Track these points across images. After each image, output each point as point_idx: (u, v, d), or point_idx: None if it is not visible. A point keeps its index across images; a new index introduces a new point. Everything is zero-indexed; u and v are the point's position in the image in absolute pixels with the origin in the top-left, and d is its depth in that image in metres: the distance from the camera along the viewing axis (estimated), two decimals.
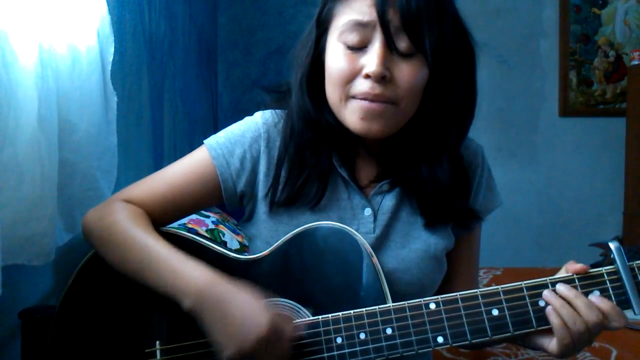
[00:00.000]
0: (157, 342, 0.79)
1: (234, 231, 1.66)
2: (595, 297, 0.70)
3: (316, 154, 0.84)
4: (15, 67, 0.83)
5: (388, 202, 0.86)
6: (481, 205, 0.91)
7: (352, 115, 0.78)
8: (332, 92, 0.80)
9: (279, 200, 0.84)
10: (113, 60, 1.17)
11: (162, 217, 0.85)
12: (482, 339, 0.72)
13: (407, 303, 0.74)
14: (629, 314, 0.70)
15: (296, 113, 0.84)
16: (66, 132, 1.00)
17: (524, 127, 2.99)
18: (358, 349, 0.73)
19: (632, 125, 2.54)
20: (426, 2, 0.73)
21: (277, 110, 0.89)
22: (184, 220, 1.52)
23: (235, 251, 0.85)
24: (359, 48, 0.76)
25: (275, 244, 0.82)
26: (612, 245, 0.72)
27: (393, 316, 0.73)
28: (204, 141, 0.88)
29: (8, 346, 1.00)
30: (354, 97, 0.77)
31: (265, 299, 0.70)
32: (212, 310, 0.69)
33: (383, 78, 0.74)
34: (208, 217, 1.65)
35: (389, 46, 0.74)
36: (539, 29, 2.96)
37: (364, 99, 0.76)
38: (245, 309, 0.68)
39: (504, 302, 0.72)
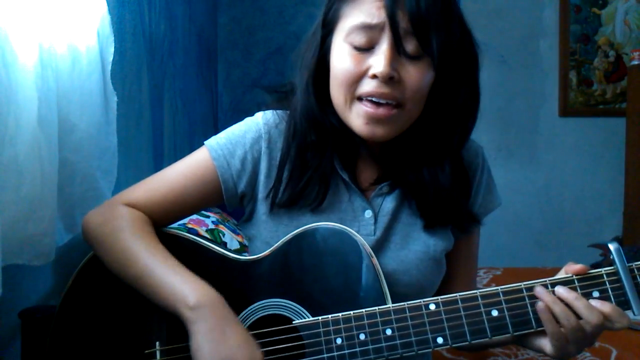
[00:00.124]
0: (157, 343, 0.79)
1: (234, 231, 1.66)
2: (595, 300, 0.70)
3: (318, 156, 0.84)
4: (15, 67, 0.83)
5: (388, 204, 0.86)
6: (480, 206, 0.91)
7: (357, 119, 0.78)
8: (337, 93, 0.79)
9: (280, 201, 0.84)
10: (113, 60, 1.17)
11: (162, 218, 0.86)
12: (481, 340, 0.72)
13: (407, 304, 0.74)
14: (628, 314, 0.70)
15: (300, 113, 0.84)
16: (66, 132, 1.00)
17: (524, 127, 2.99)
18: (358, 349, 0.73)
19: (632, 125, 2.54)
20: (435, 5, 0.74)
21: (279, 111, 0.89)
22: (184, 220, 1.52)
23: (235, 251, 0.85)
24: (366, 49, 0.76)
25: (275, 245, 0.82)
26: (612, 247, 0.72)
27: (393, 317, 0.73)
28: (205, 142, 0.88)
29: (8, 346, 1.00)
30: (359, 98, 0.77)
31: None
32: (210, 325, 0.70)
33: (391, 79, 0.74)
34: (208, 217, 1.65)
35: (397, 48, 0.74)
36: (539, 29, 2.96)
37: (370, 97, 0.75)
38: (239, 338, 0.70)
39: (503, 303, 0.72)
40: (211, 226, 1.61)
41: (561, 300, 0.70)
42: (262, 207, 0.86)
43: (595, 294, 0.71)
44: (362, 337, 0.73)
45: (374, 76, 0.74)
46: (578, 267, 0.72)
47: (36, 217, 0.88)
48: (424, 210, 0.85)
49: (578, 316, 0.69)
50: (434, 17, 0.74)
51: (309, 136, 0.83)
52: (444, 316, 0.72)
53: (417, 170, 0.84)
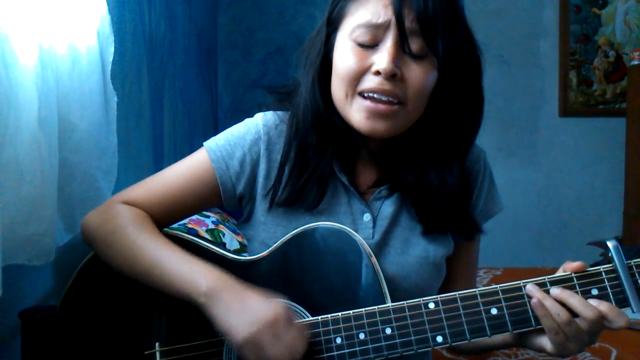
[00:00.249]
0: (157, 344, 0.79)
1: (234, 231, 1.66)
2: (593, 300, 0.70)
3: (318, 155, 0.83)
4: (15, 67, 0.83)
5: (387, 208, 0.86)
6: (481, 212, 0.91)
7: (357, 113, 0.77)
8: (338, 88, 0.79)
9: (279, 200, 0.84)
10: (113, 60, 1.17)
11: (161, 218, 0.85)
12: (482, 340, 0.72)
13: (406, 303, 0.74)
14: (627, 312, 0.70)
15: (303, 112, 0.84)
16: (66, 132, 1.00)
17: (524, 127, 2.99)
18: (357, 349, 0.73)
19: (632, 125, 2.53)
20: (441, 6, 0.74)
21: (279, 112, 0.88)
22: (184, 221, 1.52)
23: (235, 251, 0.85)
24: (370, 46, 0.76)
25: (275, 245, 0.82)
26: (610, 244, 0.72)
27: (392, 316, 0.73)
28: (204, 143, 0.87)
29: (8, 346, 1.00)
30: (361, 93, 0.77)
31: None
32: (227, 301, 0.71)
33: (393, 76, 0.74)
34: (208, 217, 1.65)
35: (402, 46, 0.74)
36: (539, 29, 2.96)
37: (372, 93, 0.75)
38: (258, 299, 0.71)
39: (502, 302, 0.72)
40: (211, 226, 1.61)
41: (556, 299, 0.70)
42: (260, 208, 0.86)
43: (594, 291, 0.71)
44: (361, 336, 0.73)
45: (377, 73, 0.74)
46: (576, 264, 0.72)
47: (36, 217, 0.88)
48: (423, 215, 0.85)
49: (574, 313, 0.69)
50: (441, 18, 0.74)
51: (311, 136, 0.83)
52: (443, 315, 0.72)
53: (420, 174, 0.84)
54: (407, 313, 0.73)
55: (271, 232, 0.85)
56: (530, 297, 0.71)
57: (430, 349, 0.73)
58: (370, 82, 0.75)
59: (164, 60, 1.91)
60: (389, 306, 0.74)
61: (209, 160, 0.85)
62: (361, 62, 0.76)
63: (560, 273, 0.74)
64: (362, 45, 0.76)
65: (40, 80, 0.87)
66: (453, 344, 0.72)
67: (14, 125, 0.83)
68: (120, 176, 1.21)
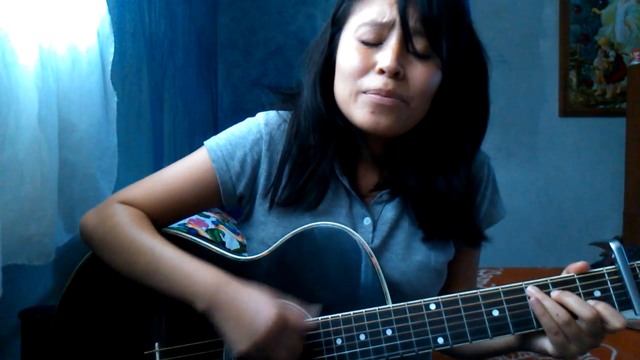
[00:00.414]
0: (156, 344, 0.79)
1: (234, 231, 1.65)
2: (591, 300, 0.69)
3: (319, 155, 0.83)
4: (15, 67, 0.83)
5: (388, 212, 0.85)
6: (482, 219, 0.90)
7: (361, 109, 0.77)
8: (342, 87, 0.79)
9: (279, 199, 0.83)
10: (113, 60, 1.17)
11: (160, 218, 0.85)
12: (484, 341, 0.72)
13: (407, 304, 0.73)
14: (629, 314, 0.70)
15: (304, 112, 0.83)
16: (66, 132, 1.00)
17: (524, 127, 2.99)
18: (358, 350, 0.73)
19: (632, 125, 2.54)
20: (447, 7, 0.74)
21: (281, 111, 0.88)
22: (184, 220, 1.52)
23: (235, 251, 0.85)
24: (374, 44, 0.76)
25: (274, 245, 0.81)
26: (613, 245, 0.71)
27: (393, 317, 0.73)
28: (204, 142, 0.87)
29: (8, 346, 1.00)
30: (364, 92, 0.76)
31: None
32: (225, 311, 0.70)
33: (396, 75, 0.74)
34: (208, 217, 1.65)
35: (406, 45, 0.74)
36: (539, 29, 2.96)
37: (375, 93, 0.75)
38: (255, 304, 0.70)
39: (504, 303, 0.72)
40: (211, 226, 1.61)
41: (554, 300, 0.70)
42: (260, 208, 0.86)
43: (597, 293, 0.71)
44: (362, 337, 0.73)
45: (380, 71, 0.74)
46: (579, 264, 0.72)
47: (36, 217, 0.88)
48: (425, 221, 0.84)
49: (573, 314, 0.68)
50: (445, 19, 0.74)
51: (312, 136, 0.83)
52: (444, 316, 0.72)
53: (424, 177, 0.83)
54: (408, 314, 0.73)
55: (271, 232, 0.84)
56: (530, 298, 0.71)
57: (431, 350, 0.72)
58: (373, 81, 0.75)
59: (164, 60, 1.90)
60: (389, 307, 0.74)
61: (209, 160, 0.85)
62: (365, 60, 0.76)
63: (564, 275, 0.73)
64: (366, 44, 0.76)
65: (40, 80, 0.87)
66: (454, 345, 0.72)
67: (14, 125, 0.82)
68: (120, 176, 1.20)
